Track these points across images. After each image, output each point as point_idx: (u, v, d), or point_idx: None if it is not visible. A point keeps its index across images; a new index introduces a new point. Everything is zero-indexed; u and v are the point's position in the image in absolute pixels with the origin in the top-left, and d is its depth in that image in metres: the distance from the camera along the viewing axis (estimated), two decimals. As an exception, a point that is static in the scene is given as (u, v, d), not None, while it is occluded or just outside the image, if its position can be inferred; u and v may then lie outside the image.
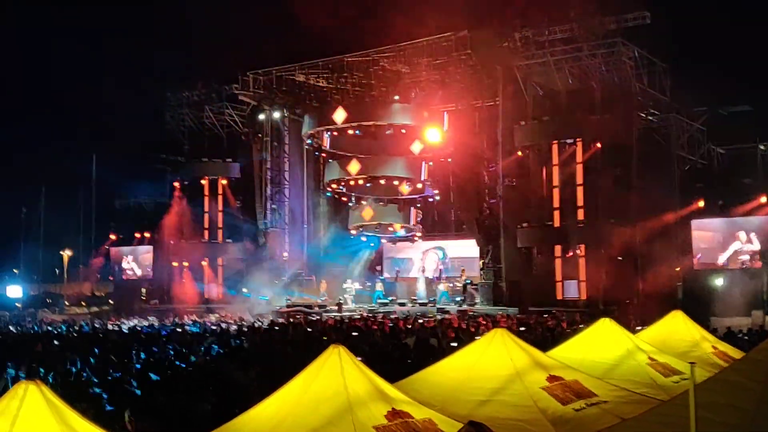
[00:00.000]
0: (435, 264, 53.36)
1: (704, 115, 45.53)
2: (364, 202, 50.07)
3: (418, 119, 46.93)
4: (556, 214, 43.99)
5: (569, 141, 43.70)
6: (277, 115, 54.12)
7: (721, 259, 42.06)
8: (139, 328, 36.64)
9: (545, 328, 30.93)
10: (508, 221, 45.51)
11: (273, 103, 53.54)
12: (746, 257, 41.59)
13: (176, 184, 56.75)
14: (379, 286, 50.32)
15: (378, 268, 54.35)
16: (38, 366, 18.92)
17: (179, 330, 34.47)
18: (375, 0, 42.65)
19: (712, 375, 10.56)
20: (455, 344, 22.77)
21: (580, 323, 29.11)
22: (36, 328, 40.55)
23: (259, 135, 54.85)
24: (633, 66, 42.84)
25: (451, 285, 48.28)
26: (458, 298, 46.85)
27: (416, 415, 10.41)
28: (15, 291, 66.88)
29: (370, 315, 41.55)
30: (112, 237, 64.12)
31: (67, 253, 66.60)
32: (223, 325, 36.87)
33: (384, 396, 10.54)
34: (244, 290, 52.21)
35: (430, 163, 49.27)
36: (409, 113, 47.32)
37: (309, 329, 32.70)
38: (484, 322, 33.36)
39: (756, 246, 41.21)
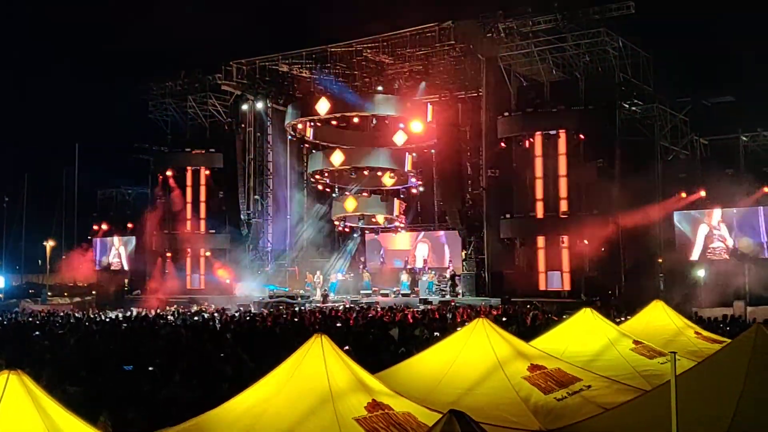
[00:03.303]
0: (424, 254, 53.49)
1: (687, 106, 45.55)
2: (347, 193, 50.08)
3: (402, 110, 46.93)
4: (540, 205, 44.02)
5: (552, 132, 43.70)
6: (260, 105, 53.98)
7: (705, 252, 42.22)
8: (121, 319, 36.56)
9: (524, 318, 30.97)
10: (492, 212, 45.52)
11: (256, 93, 53.42)
12: (727, 248, 41.77)
13: (159, 174, 56.58)
14: (366, 277, 50.27)
15: (362, 259, 54.37)
16: (20, 356, 18.86)
17: (163, 320, 34.36)
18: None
19: (694, 364, 10.62)
20: (437, 334, 22.86)
21: (563, 314, 29.15)
22: (18, 318, 40.35)
23: (243, 125, 54.74)
24: (617, 56, 42.86)
25: (436, 276, 48.31)
26: (442, 288, 46.90)
27: (396, 407, 10.41)
28: (-3, 281, 66.64)
29: (354, 306, 41.51)
30: (95, 227, 63.96)
31: (49, 244, 66.26)
32: (206, 316, 36.81)
33: (365, 387, 10.55)
34: (227, 281, 52.16)
35: (414, 154, 49.32)
36: (392, 104, 47.32)
37: (293, 319, 32.66)
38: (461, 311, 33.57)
39: (728, 236, 41.47)
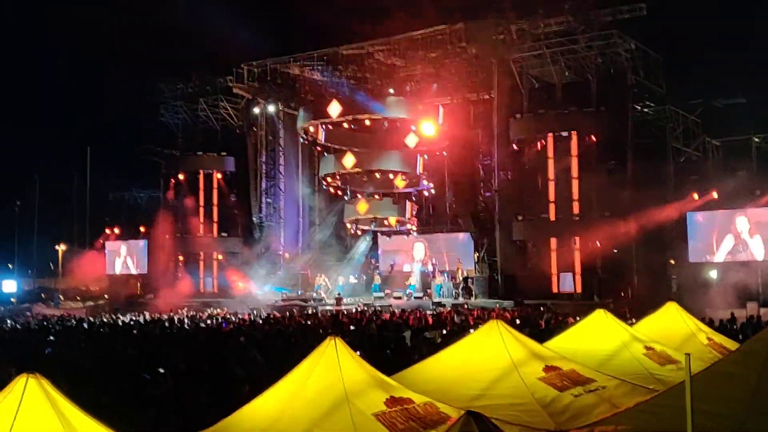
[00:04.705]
0: (423, 253, 53.45)
1: (699, 108, 45.56)
2: (359, 196, 50.08)
3: (413, 112, 46.92)
4: (552, 207, 44.00)
5: (565, 134, 43.69)
6: (271, 108, 54.07)
7: (719, 253, 42.14)
8: (134, 323, 36.61)
9: (538, 321, 30.91)
10: (504, 214, 45.56)
11: (268, 96, 53.48)
12: (741, 249, 41.70)
13: (171, 177, 56.74)
14: (377, 280, 50.24)
15: (373, 261, 54.35)
16: (36, 360, 18.91)
17: (177, 324, 34.41)
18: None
19: (707, 366, 10.61)
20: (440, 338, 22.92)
21: (575, 316, 29.10)
22: (32, 322, 40.45)
23: (254, 128, 54.84)
24: (629, 58, 42.86)
25: (446, 278, 48.21)
26: (454, 291, 46.81)
27: (416, 399, 10.47)
28: (9, 286, 66.91)
29: (367, 309, 41.50)
30: (107, 231, 64.16)
31: (61, 248, 66.53)
32: (219, 319, 36.85)
33: (382, 384, 10.60)
34: (240, 284, 52.22)
35: (426, 157, 49.32)
36: (404, 106, 47.30)
37: (306, 322, 32.67)
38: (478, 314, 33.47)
39: (750, 238, 41.37)
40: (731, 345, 16.86)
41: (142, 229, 60.83)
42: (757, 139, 45.54)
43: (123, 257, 62.06)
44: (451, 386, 12.36)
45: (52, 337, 28.87)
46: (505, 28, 44.58)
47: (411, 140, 47.20)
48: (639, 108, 44.45)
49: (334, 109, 46.17)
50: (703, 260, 42.38)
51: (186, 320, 36.69)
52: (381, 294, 48.33)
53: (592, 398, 12.07)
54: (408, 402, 10.37)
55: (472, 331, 16.86)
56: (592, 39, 42.85)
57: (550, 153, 44.18)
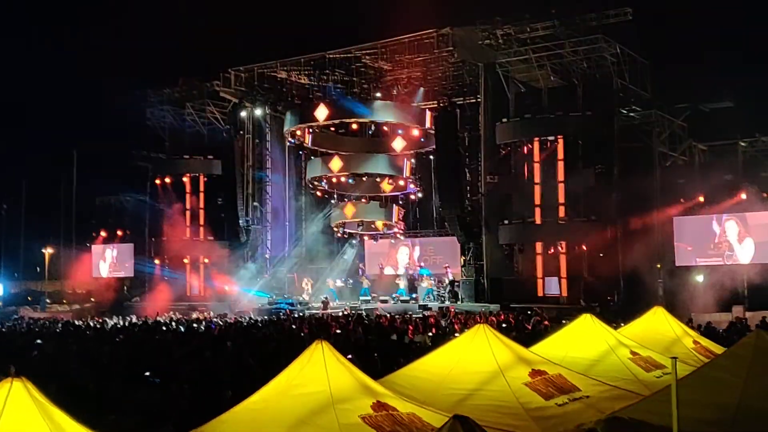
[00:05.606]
0: (407, 258, 53.48)
1: (686, 112, 45.51)
2: (346, 199, 50.07)
3: (400, 116, 47.00)
4: (538, 211, 43.97)
5: (551, 138, 43.71)
6: (258, 112, 53.90)
7: (705, 257, 42.20)
8: (121, 326, 36.51)
9: (525, 324, 30.97)
10: (490, 218, 45.53)
11: (254, 100, 53.33)
12: (727, 253, 41.76)
13: (157, 181, 56.49)
14: (365, 284, 50.14)
15: (361, 265, 54.29)
16: (23, 364, 18.86)
17: (163, 327, 34.35)
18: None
19: (693, 370, 10.65)
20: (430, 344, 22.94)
21: (562, 320, 29.13)
22: (18, 325, 40.33)
23: (241, 132, 54.63)
24: (614, 62, 42.85)
25: (434, 282, 48.22)
26: (440, 295, 46.81)
27: (401, 408, 10.48)
28: (-5, 289, 66.61)
29: (353, 312, 41.48)
30: (93, 234, 63.92)
31: (48, 251, 66.29)
32: (205, 323, 36.79)
33: (368, 389, 10.62)
34: (226, 288, 52.10)
35: (412, 160, 49.38)
36: (390, 110, 47.38)
37: (293, 326, 32.65)
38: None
39: (736, 242, 41.46)
40: (717, 349, 16.93)
41: (128, 232, 60.62)
42: (743, 144, 45.55)
43: (109, 261, 61.82)
44: (437, 389, 12.39)
45: (39, 341, 28.83)
46: (492, 32, 44.54)
47: (398, 144, 47.25)
48: (625, 112, 44.40)
49: (321, 112, 46.22)
50: (690, 264, 42.41)
51: (172, 324, 36.60)
52: (368, 298, 48.28)
53: (577, 405, 12.09)
54: (393, 409, 10.39)
55: (457, 334, 16.90)
56: (577, 44, 42.82)
57: (536, 157, 44.19)
